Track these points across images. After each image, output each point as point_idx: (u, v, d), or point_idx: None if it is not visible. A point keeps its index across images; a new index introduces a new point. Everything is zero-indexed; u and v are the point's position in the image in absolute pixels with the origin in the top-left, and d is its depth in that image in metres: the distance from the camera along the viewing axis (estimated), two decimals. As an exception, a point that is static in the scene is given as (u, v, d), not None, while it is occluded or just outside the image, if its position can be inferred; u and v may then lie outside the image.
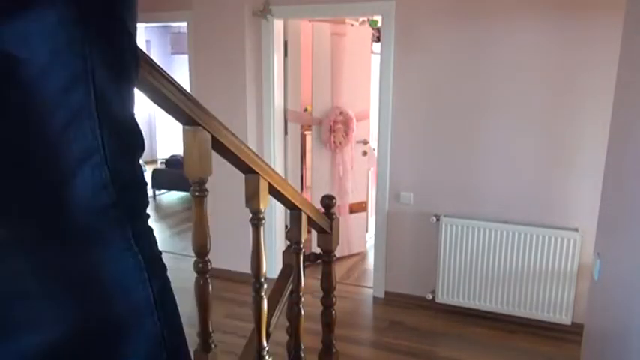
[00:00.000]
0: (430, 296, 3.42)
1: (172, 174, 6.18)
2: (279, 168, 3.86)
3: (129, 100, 0.59)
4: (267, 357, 1.56)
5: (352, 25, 4.46)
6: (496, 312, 3.27)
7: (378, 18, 4.36)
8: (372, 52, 4.51)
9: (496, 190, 3.23)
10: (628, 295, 1.61)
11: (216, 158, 1.24)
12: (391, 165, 3.48)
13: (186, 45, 4.15)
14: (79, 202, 0.53)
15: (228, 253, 3.67)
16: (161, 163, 7.50)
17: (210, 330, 1.37)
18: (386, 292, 3.64)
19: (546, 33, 2.96)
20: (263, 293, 1.51)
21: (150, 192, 6.25)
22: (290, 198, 1.67)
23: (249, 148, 1.36)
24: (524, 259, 3.12)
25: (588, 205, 2.96)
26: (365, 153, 4.49)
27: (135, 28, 0.58)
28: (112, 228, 0.57)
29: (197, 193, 1.24)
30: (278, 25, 3.71)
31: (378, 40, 4.38)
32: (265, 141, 3.80)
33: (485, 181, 3.24)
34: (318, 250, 2.21)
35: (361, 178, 4.53)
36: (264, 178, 1.44)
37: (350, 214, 4.44)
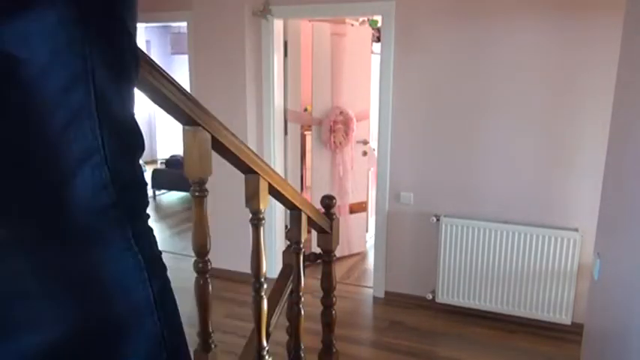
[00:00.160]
0: (430, 296, 3.42)
1: (172, 174, 6.18)
2: (279, 168, 3.86)
3: (129, 100, 0.59)
4: (267, 357, 1.56)
5: (352, 25, 4.46)
6: (496, 312, 3.27)
7: (378, 18, 4.36)
8: (372, 52, 4.51)
9: (496, 190, 3.23)
10: (628, 295, 1.61)
11: (216, 158, 1.24)
12: (391, 165, 3.48)
13: (186, 45, 4.15)
14: (79, 202, 0.53)
15: (228, 253, 3.67)
16: (161, 163, 7.50)
17: (210, 330, 1.37)
18: (386, 292, 3.64)
19: (546, 33, 2.96)
20: (263, 293, 1.51)
21: (150, 192, 6.25)
22: (290, 198, 1.67)
23: (249, 148, 1.36)
24: (524, 259, 3.12)
25: (588, 205, 2.96)
26: (365, 153, 4.49)
27: (135, 28, 0.58)
28: (112, 228, 0.57)
29: (197, 193, 1.24)
30: (278, 25, 3.71)
31: (378, 40, 4.38)
32: (265, 141, 3.80)
33: (485, 181, 3.24)
34: (318, 250, 2.21)
35: (361, 178, 4.53)
36: (264, 178, 1.44)
37: (350, 214, 4.44)
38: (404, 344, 3.03)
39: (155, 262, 0.63)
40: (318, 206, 2.08)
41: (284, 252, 2.10)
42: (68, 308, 0.55)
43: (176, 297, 0.66)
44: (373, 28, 4.63)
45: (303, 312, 1.87)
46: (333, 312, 2.23)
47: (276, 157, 3.85)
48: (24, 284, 0.55)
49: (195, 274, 1.34)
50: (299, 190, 4.23)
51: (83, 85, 0.51)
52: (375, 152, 3.79)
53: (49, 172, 0.52)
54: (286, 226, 3.84)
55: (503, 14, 3.04)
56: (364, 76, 4.43)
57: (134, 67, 0.59)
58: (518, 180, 3.17)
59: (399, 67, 3.34)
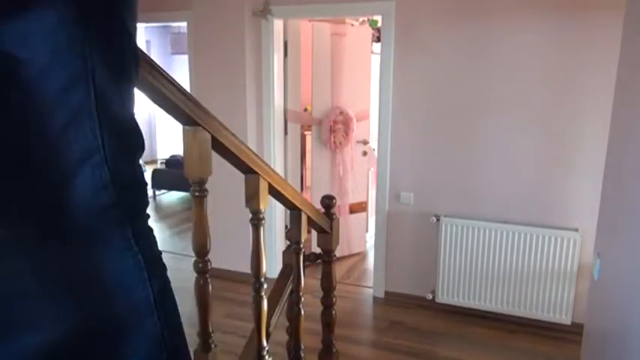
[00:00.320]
0: (430, 296, 3.42)
1: (172, 174, 6.18)
2: (279, 168, 3.86)
3: (129, 100, 0.59)
4: (267, 357, 1.56)
5: (352, 25, 4.46)
6: (496, 312, 3.27)
7: (378, 18, 4.36)
8: (372, 52, 4.51)
9: (496, 190, 3.23)
10: (628, 295, 1.61)
11: (216, 158, 1.24)
12: (391, 165, 3.48)
13: (186, 45, 4.15)
14: (79, 202, 0.53)
15: (228, 253, 3.67)
16: (161, 163, 7.50)
17: (210, 330, 1.37)
18: (386, 292, 3.64)
19: (546, 33, 2.96)
20: (263, 293, 1.51)
21: (150, 192, 6.25)
22: (290, 198, 1.67)
23: (249, 148, 1.36)
24: (524, 259, 3.12)
25: (588, 205, 2.96)
26: (365, 153, 4.50)
27: (135, 28, 0.58)
28: (112, 228, 0.57)
29: (197, 193, 1.24)
30: (278, 25, 3.71)
31: (378, 40, 4.38)
32: (265, 141, 3.80)
33: (485, 181, 3.24)
34: (318, 250, 2.21)
35: (361, 178, 4.53)
36: (264, 178, 1.44)
37: (350, 214, 4.44)
38: (404, 344, 3.03)
39: (155, 262, 0.63)
40: (318, 206, 2.08)
41: (284, 252, 2.10)
42: (68, 308, 0.55)
43: (176, 297, 0.66)
44: (373, 28, 4.63)
45: (303, 312, 1.87)
46: (333, 312, 2.23)
47: (276, 157, 3.85)
48: (24, 284, 0.55)
49: (195, 274, 1.34)
50: (299, 190, 4.23)
51: (83, 85, 0.51)
52: (375, 152, 3.79)
53: (49, 172, 0.52)
54: (286, 226, 3.84)
55: (503, 14, 3.04)
56: (364, 76, 4.43)
57: (134, 67, 0.59)
58: (518, 180, 3.17)
59: (399, 67, 3.34)
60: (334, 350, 2.29)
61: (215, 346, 1.37)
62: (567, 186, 3.06)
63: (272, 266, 3.57)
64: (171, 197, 6.68)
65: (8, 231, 0.54)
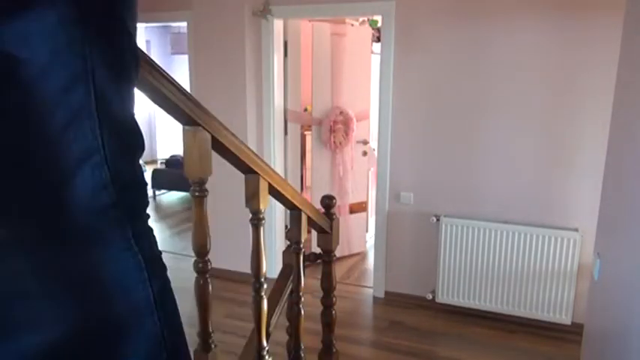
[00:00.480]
0: (430, 296, 3.42)
1: (172, 174, 6.18)
2: (279, 168, 3.86)
3: (129, 100, 0.59)
4: (267, 357, 1.56)
5: (352, 25, 4.46)
6: (496, 312, 3.27)
7: (378, 18, 4.36)
8: (372, 52, 4.51)
9: (496, 190, 3.23)
10: (628, 295, 1.61)
11: (216, 158, 1.24)
12: (391, 165, 3.48)
13: (186, 45, 4.15)
14: (79, 202, 0.53)
15: (228, 253, 3.67)
16: (161, 163, 7.50)
17: (210, 330, 1.37)
18: (386, 292, 3.64)
19: (546, 33, 2.96)
20: (263, 293, 1.51)
21: (150, 192, 6.25)
22: (290, 198, 1.67)
23: (249, 148, 1.36)
24: (524, 259, 3.12)
25: (588, 205, 2.96)
26: (365, 153, 4.50)
27: (135, 28, 0.58)
28: (112, 228, 0.57)
29: (197, 193, 1.24)
30: (278, 25, 3.71)
31: (378, 40, 4.38)
32: (265, 141, 3.80)
33: (485, 181, 3.24)
34: (318, 250, 2.21)
35: (361, 178, 4.53)
36: (264, 178, 1.44)
37: (350, 214, 4.44)
38: (404, 344, 3.03)
39: (155, 262, 0.63)
40: (318, 206, 2.08)
41: (284, 252, 2.10)
42: (68, 308, 0.55)
43: (176, 297, 0.66)
44: (373, 28, 4.63)
45: (303, 312, 1.87)
46: (333, 312, 2.23)
47: (276, 157, 3.85)
48: (24, 284, 0.55)
49: (195, 274, 1.34)
50: (299, 190, 4.23)
51: (83, 85, 0.51)
52: (375, 152, 3.79)
53: (49, 172, 0.52)
54: (286, 226, 3.84)
55: (503, 14, 3.04)
56: (364, 76, 4.43)
57: (134, 67, 0.59)
58: (518, 180, 3.17)
59: (399, 67, 3.34)
60: (334, 350, 2.29)
61: (215, 346, 1.37)
62: (567, 186, 3.06)
63: (272, 266, 3.57)
64: (171, 197, 6.68)
65: (8, 231, 0.54)
